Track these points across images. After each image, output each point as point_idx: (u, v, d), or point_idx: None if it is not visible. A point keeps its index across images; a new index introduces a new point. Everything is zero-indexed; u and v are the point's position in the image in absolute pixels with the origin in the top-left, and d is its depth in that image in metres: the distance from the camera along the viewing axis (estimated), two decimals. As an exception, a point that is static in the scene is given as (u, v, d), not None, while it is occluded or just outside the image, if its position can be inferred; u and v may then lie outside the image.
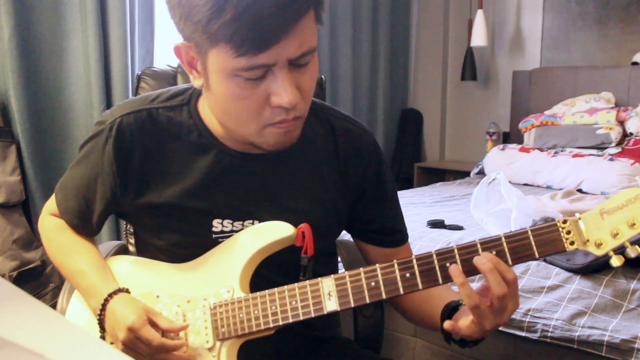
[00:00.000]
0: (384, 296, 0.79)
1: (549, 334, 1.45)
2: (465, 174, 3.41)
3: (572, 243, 0.74)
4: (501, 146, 3.12)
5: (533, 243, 0.75)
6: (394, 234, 1.03)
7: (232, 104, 0.80)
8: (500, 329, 1.53)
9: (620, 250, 0.73)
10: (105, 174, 0.90)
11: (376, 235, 1.01)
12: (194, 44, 0.78)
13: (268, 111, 0.79)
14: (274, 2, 0.70)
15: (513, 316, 1.51)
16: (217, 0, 0.70)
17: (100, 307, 0.87)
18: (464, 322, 0.80)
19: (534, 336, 1.47)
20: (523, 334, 1.49)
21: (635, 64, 3.08)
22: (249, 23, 0.70)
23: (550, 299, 1.49)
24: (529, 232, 0.75)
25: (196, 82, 0.83)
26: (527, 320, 1.49)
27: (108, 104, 2.32)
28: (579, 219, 0.74)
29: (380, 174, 0.99)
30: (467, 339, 0.83)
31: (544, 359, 1.50)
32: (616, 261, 0.73)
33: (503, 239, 0.76)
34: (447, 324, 0.79)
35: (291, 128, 0.83)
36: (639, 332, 1.34)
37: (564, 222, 0.74)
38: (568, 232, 0.74)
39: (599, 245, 0.73)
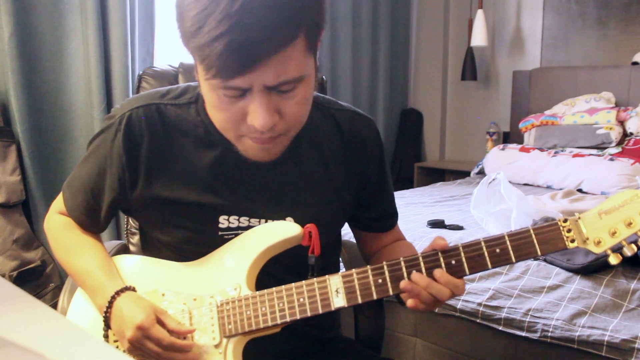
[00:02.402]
0: (390, 292, 0.82)
1: (549, 334, 1.45)
2: (466, 174, 3.42)
3: (572, 241, 0.77)
4: (501, 146, 3.12)
5: (535, 241, 0.78)
6: (389, 218, 1.07)
7: (214, 112, 0.82)
8: (500, 328, 1.53)
9: (618, 249, 0.77)
10: (114, 167, 0.91)
11: (375, 223, 1.05)
12: None
13: (245, 126, 0.80)
14: (249, 34, 0.69)
15: (513, 316, 1.51)
16: (197, 19, 0.71)
17: (107, 305, 0.87)
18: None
19: (534, 336, 1.47)
20: (523, 334, 1.49)
21: (635, 64, 3.08)
22: (219, 51, 0.70)
23: (550, 299, 1.49)
24: (531, 231, 0.78)
25: (197, 75, 0.84)
26: (527, 320, 1.49)
27: (108, 104, 2.32)
28: (579, 218, 0.78)
29: (382, 162, 1.01)
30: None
31: (544, 359, 1.50)
32: (614, 259, 0.76)
33: (506, 237, 0.79)
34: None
35: (268, 145, 0.83)
36: (639, 332, 1.34)
37: (565, 221, 0.78)
38: (569, 231, 0.77)
39: (597, 244, 0.77)
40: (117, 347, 0.89)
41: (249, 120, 0.77)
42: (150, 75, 1.35)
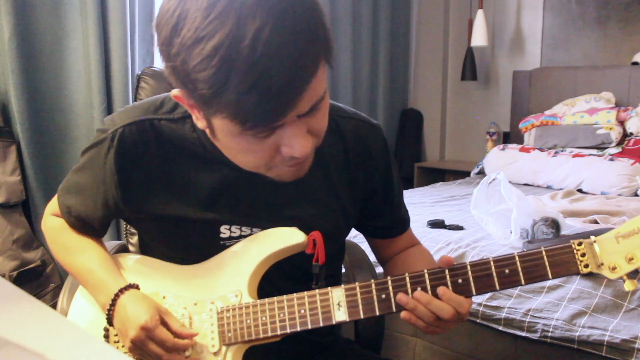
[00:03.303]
0: (394, 309, 0.80)
1: (549, 334, 1.45)
2: (466, 174, 3.42)
3: (586, 266, 0.74)
4: (501, 146, 3.12)
5: (547, 264, 0.75)
6: (397, 226, 1.05)
7: (240, 155, 0.77)
8: (500, 329, 1.53)
9: (634, 275, 0.73)
10: (107, 184, 0.89)
11: (382, 230, 1.03)
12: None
13: (278, 159, 0.75)
14: (282, 77, 0.64)
15: (513, 316, 1.51)
16: (215, 79, 0.64)
17: (110, 302, 0.86)
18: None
19: (534, 336, 1.47)
20: (523, 334, 1.49)
21: (635, 64, 3.08)
22: (255, 102, 0.65)
23: (550, 299, 1.49)
24: (543, 253, 0.76)
25: (199, 123, 0.77)
26: (527, 320, 1.49)
27: (108, 104, 2.32)
28: (594, 241, 0.74)
29: (389, 171, 0.98)
30: None
31: (544, 359, 1.50)
32: (630, 286, 0.73)
33: (517, 258, 0.77)
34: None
35: (303, 164, 0.79)
36: (639, 332, 1.34)
37: (579, 244, 0.75)
38: (583, 255, 0.74)
39: (613, 270, 0.73)
40: (118, 345, 0.89)
41: (284, 151, 0.73)
42: (149, 75, 1.34)
